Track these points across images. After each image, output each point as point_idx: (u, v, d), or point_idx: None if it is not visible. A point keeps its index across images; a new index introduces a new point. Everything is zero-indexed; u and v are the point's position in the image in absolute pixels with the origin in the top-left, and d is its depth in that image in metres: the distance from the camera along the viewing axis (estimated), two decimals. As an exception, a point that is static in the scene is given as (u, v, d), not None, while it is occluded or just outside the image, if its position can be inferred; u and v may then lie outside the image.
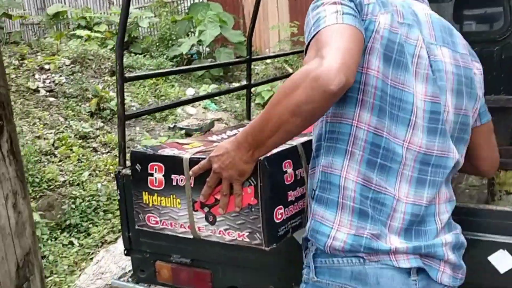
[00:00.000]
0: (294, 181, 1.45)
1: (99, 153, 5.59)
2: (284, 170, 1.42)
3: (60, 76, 7.02)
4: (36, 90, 6.41)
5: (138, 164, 1.57)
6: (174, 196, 1.49)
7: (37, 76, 6.75)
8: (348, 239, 1.19)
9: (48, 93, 6.48)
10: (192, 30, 9.39)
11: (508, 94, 3.77)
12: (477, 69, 1.37)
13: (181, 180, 1.46)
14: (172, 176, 1.48)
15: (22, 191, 1.08)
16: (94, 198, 4.64)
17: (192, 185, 1.43)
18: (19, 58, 7.03)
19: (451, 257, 1.27)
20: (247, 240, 1.38)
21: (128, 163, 2.35)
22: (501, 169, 2.29)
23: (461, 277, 1.31)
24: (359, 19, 1.17)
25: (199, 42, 8.74)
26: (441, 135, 1.25)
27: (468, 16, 4.02)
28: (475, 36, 3.91)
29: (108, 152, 5.69)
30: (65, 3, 12.31)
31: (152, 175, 1.54)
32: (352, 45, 1.09)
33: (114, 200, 4.71)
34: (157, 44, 9.06)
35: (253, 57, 3.37)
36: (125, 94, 6.99)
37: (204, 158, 1.34)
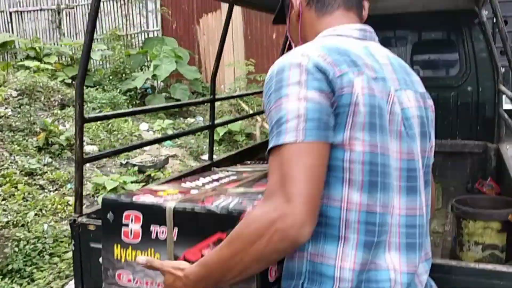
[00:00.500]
0: None
1: (46, 191, 5.28)
2: None
3: (6, 108, 6.68)
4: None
5: (110, 213, 1.42)
6: (152, 251, 1.33)
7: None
8: None
9: (-9, 126, 6.13)
10: (146, 64, 9.26)
11: (464, 138, 3.88)
12: (431, 106, 1.30)
13: (162, 232, 1.31)
14: (152, 227, 1.33)
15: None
16: (40, 240, 4.33)
17: (175, 238, 1.29)
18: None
19: None
20: None
21: (85, 210, 2.19)
22: (470, 219, 2.29)
23: None
24: (327, 104, 1.06)
25: (154, 76, 8.60)
26: (418, 192, 1.19)
27: (425, 62, 4.14)
28: (432, 82, 4.02)
29: (56, 190, 5.39)
30: (13, 33, 11.92)
31: (127, 225, 1.38)
32: (316, 177, 1.01)
33: (62, 241, 4.42)
34: (110, 77, 8.85)
35: (216, 97, 3.30)
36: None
37: (190, 208, 1.24)
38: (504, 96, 3.50)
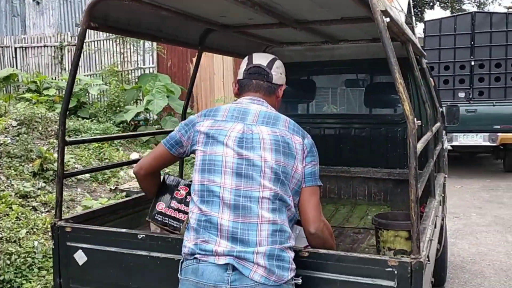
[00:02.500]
0: None
1: (38, 212, 5.74)
2: None
3: (6, 136, 7.20)
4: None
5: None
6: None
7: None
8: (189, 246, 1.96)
9: (-9, 153, 6.63)
10: (140, 98, 9.85)
11: (409, 168, 4.36)
12: (296, 140, 2.08)
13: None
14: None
15: None
16: (30, 255, 4.76)
17: None
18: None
19: (262, 262, 1.84)
20: None
21: (63, 215, 2.68)
22: (384, 229, 2.74)
23: (274, 280, 1.85)
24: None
25: (146, 110, 9.17)
26: (247, 177, 1.97)
27: (376, 100, 4.65)
28: (382, 119, 4.54)
29: (47, 211, 5.85)
30: (17, 67, 12.56)
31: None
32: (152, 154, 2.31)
33: (50, 257, 4.84)
34: (105, 110, 9.43)
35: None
36: (70, 156, 7.24)
37: None
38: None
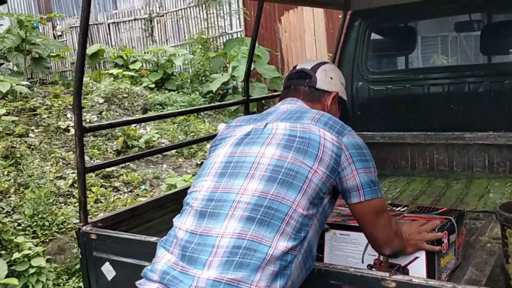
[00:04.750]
0: None
1: (120, 192, 5.52)
2: None
3: (92, 114, 7.12)
4: (66, 130, 6.49)
5: None
6: None
7: (68, 115, 6.85)
8: None
9: (77, 132, 6.54)
10: (226, 65, 9.37)
11: None
12: (328, 137, 1.51)
13: None
14: None
15: None
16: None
17: None
18: (53, 98, 7.18)
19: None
20: None
21: (89, 219, 2.18)
22: (514, 226, 1.93)
23: None
24: None
25: (233, 77, 8.67)
26: (231, 176, 1.48)
27: (496, 47, 3.65)
28: (505, 68, 3.52)
29: (130, 191, 5.61)
30: (111, 44, 12.72)
31: None
32: None
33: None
34: (191, 80, 9.09)
35: (250, 98, 3.21)
36: (155, 131, 6.97)
37: None
38: None
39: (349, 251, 1.91)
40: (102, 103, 7.50)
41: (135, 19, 12.82)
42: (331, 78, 1.82)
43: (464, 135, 3.48)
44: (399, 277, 1.44)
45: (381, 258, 1.83)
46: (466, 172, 3.53)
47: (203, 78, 8.96)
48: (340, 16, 4.00)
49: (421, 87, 3.63)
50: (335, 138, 1.51)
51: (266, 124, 1.60)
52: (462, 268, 2.10)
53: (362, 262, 1.86)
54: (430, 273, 1.78)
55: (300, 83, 1.79)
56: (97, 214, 4.84)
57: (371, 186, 1.52)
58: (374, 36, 3.82)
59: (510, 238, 1.96)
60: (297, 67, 1.87)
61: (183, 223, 1.44)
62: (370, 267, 1.86)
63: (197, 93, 8.60)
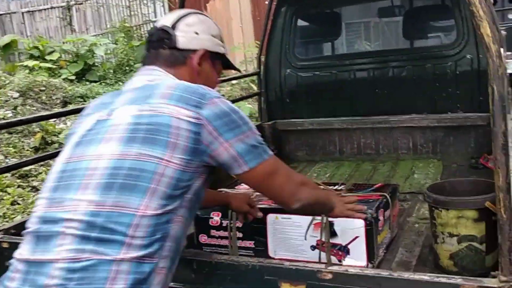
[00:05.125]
0: None
1: (39, 192, 5.17)
2: None
3: (6, 110, 6.63)
4: (-23, 127, 5.99)
5: None
6: None
7: (-21, 111, 6.34)
8: None
9: (-11, 129, 6.07)
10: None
11: (466, 111, 3.49)
12: (182, 115, 1.29)
13: None
14: None
15: None
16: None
17: None
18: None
19: None
20: None
21: (1, 226, 1.97)
22: (442, 208, 1.95)
23: None
24: None
25: (158, 66, 8.40)
26: (63, 190, 1.30)
27: (417, 31, 3.74)
28: (426, 52, 3.62)
29: (51, 190, 5.28)
30: (26, 34, 11.96)
31: None
32: None
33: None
34: (115, 70, 8.73)
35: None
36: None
37: None
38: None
39: (292, 234, 1.89)
40: (17, 98, 7.00)
41: (51, 8, 12.14)
42: (196, 33, 1.54)
43: (389, 118, 3.54)
44: (335, 268, 1.40)
45: (323, 238, 1.82)
46: (392, 154, 3.61)
47: (127, 68, 8.63)
48: (266, 2, 3.93)
49: (347, 73, 3.65)
50: (192, 114, 1.29)
51: (112, 111, 1.36)
52: (392, 250, 2.11)
53: (305, 239, 1.86)
54: (370, 250, 1.83)
55: (159, 45, 1.51)
56: (15, 217, 4.50)
57: (252, 151, 1.34)
58: (300, 22, 3.80)
59: (438, 219, 1.98)
60: (157, 24, 1.57)
61: (18, 254, 1.27)
62: (313, 248, 1.86)
63: (121, 83, 8.25)
